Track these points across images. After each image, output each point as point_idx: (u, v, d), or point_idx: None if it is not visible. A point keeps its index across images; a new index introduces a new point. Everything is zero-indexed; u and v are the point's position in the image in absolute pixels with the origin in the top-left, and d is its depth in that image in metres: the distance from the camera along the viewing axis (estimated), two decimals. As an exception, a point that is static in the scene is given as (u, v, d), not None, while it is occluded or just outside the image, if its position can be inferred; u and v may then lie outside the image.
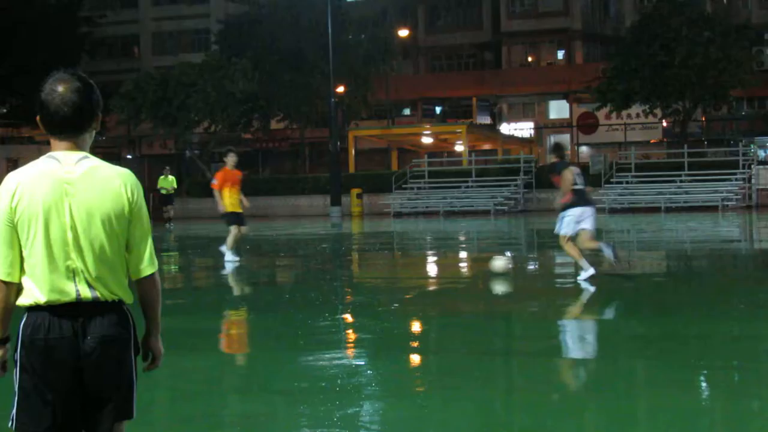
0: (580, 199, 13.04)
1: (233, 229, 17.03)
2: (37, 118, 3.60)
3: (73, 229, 3.52)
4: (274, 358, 8.48)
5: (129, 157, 59.72)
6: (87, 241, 3.52)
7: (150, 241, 3.67)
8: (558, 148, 13.82)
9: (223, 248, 17.27)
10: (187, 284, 15.78)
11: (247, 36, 49.10)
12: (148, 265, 3.64)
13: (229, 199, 16.91)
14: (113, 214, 3.55)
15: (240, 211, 16.95)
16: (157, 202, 36.16)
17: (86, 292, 3.52)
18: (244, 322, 11.33)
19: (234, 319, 11.54)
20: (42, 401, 3.48)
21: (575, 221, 13.04)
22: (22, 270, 3.52)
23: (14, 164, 39.86)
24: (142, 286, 3.66)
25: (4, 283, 3.51)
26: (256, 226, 26.89)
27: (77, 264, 3.51)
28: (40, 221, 3.50)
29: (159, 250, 19.54)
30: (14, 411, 3.53)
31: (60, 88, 3.52)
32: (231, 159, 16.85)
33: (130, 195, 3.58)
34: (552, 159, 14.59)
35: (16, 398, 3.52)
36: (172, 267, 18.50)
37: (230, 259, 17.04)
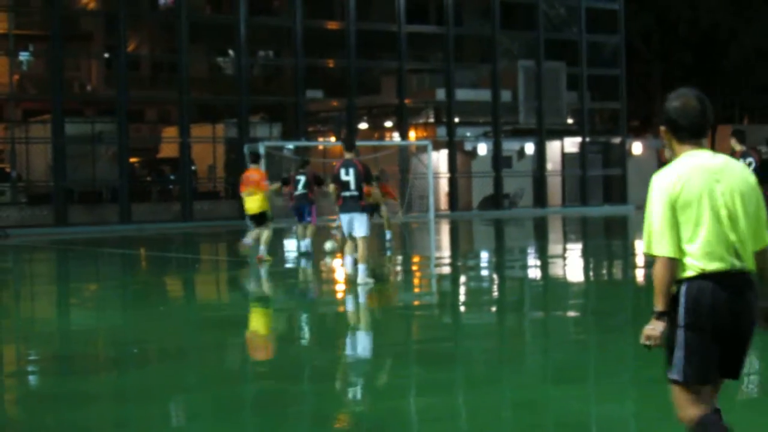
0: None
1: None
2: (667, 126, 4.54)
3: (725, 208, 4.40)
4: None
5: None
6: (736, 219, 4.40)
7: (765, 218, 4.47)
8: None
9: None
10: None
11: None
12: (767, 239, 4.48)
13: None
14: (750, 196, 4.45)
15: None
16: None
17: (737, 263, 4.39)
18: None
19: None
20: (704, 353, 4.39)
21: None
22: (682, 247, 4.40)
23: None
24: (762, 256, 4.48)
25: (671, 260, 4.38)
26: None
27: (732, 238, 4.39)
28: (698, 204, 4.39)
29: None
30: (682, 364, 4.40)
31: (690, 102, 4.46)
32: None
33: (753, 180, 4.49)
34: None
35: (683, 352, 4.39)
36: None
37: None
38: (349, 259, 14.09)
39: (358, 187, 13.80)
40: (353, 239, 13.95)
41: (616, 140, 46.16)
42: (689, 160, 4.47)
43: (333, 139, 42.90)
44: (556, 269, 18.01)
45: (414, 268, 18.16)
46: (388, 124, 43.81)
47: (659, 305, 4.47)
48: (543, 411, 6.93)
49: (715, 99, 57.04)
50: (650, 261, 4.63)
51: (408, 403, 7.49)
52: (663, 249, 4.41)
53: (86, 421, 7.07)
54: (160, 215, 35.34)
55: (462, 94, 41.79)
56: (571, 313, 11.95)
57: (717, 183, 4.41)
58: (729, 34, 52.14)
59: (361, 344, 10.36)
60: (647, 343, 4.49)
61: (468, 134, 42.59)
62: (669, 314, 4.45)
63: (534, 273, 17.38)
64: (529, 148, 43.43)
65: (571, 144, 45.23)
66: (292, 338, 10.84)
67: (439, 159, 40.57)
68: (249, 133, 36.71)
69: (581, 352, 9.23)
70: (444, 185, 40.69)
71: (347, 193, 13.81)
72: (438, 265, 18.64)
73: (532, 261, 19.79)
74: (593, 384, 8.06)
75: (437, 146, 39.40)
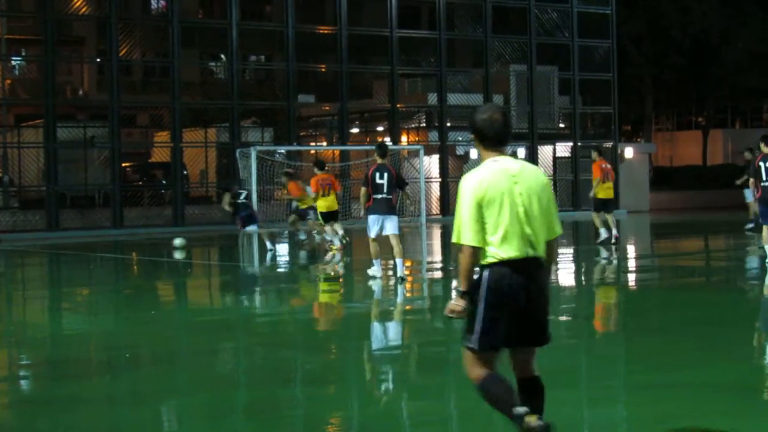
0: None
1: None
2: (475, 135, 5.57)
3: (522, 206, 5.36)
4: None
5: None
6: (531, 215, 5.37)
7: (556, 213, 5.52)
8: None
9: None
10: None
11: None
12: (557, 230, 5.50)
13: None
14: (543, 195, 5.44)
15: None
16: None
17: (531, 251, 5.35)
18: None
19: None
20: (500, 326, 5.32)
21: None
22: (485, 239, 5.34)
23: None
24: (550, 245, 5.48)
25: (475, 248, 5.32)
26: None
27: (528, 231, 5.35)
28: (500, 203, 5.34)
29: None
30: (479, 336, 5.34)
31: (494, 116, 5.50)
32: None
33: (545, 181, 5.51)
34: None
35: (481, 326, 5.32)
36: None
37: None
38: (376, 262, 15.10)
39: (390, 191, 14.66)
40: (376, 241, 14.90)
41: (608, 144, 46.28)
42: (493, 165, 5.45)
43: (324, 143, 42.90)
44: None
45: (405, 272, 18.18)
46: (380, 128, 43.82)
47: (462, 286, 5.40)
48: (533, 415, 6.97)
49: (708, 103, 57.16)
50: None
51: (399, 407, 7.53)
52: (468, 239, 5.32)
53: (78, 425, 7.10)
54: (152, 220, 35.26)
55: (454, 99, 41.79)
56: (562, 318, 11.99)
57: (515, 185, 5.37)
58: (721, 38, 52.25)
59: (352, 348, 10.39)
60: (451, 315, 5.38)
61: (460, 138, 42.61)
62: (471, 294, 5.35)
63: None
64: (521, 152, 43.48)
65: (563, 148, 45.28)
66: (285, 342, 10.87)
67: (431, 163, 40.58)
68: (241, 137, 36.69)
69: (571, 357, 9.27)
70: (435, 189, 40.70)
71: (379, 196, 14.70)
72: (430, 270, 18.67)
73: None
74: (583, 389, 8.10)
75: (429, 150, 39.40)
